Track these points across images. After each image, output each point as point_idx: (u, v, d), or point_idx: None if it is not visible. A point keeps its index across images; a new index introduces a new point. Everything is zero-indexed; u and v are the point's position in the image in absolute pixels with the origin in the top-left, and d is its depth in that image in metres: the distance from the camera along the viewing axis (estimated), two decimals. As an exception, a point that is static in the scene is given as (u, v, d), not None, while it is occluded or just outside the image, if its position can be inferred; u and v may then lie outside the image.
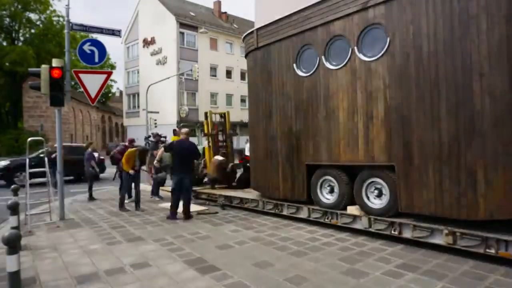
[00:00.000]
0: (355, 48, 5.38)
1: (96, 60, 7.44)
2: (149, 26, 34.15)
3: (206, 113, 9.92)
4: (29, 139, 7.36)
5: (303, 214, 6.26)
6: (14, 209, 5.09)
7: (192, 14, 34.29)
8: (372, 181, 5.35)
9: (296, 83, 6.31)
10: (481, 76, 4.14)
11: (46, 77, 6.70)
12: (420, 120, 4.66)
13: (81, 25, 7.61)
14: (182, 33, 32.04)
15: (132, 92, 37.93)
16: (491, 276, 3.75)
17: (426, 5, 4.56)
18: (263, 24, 7.02)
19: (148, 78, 30.55)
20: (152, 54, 33.66)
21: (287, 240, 5.29)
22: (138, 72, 36.47)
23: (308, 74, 6.12)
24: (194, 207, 7.94)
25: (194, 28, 32.62)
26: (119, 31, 7.95)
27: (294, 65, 6.34)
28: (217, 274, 3.98)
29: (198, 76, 25.74)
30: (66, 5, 7.41)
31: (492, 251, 4.04)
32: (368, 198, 5.40)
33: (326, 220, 5.91)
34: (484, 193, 4.10)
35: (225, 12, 39.28)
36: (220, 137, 9.93)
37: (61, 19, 35.20)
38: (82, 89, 7.42)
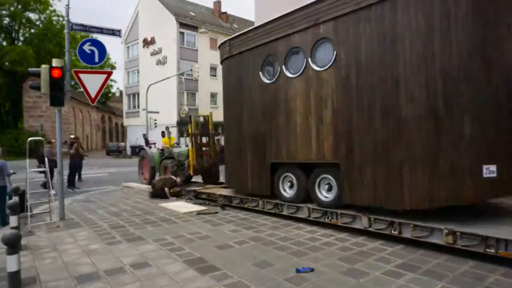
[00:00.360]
0: (309, 59, 6.04)
1: (96, 60, 7.44)
2: (149, 26, 34.16)
3: (190, 117, 10.71)
4: (29, 139, 7.36)
5: (303, 214, 6.27)
6: (14, 209, 5.09)
7: (192, 14, 34.29)
8: (324, 177, 6.05)
9: (262, 89, 6.96)
10: (405, 86, 4.78)
11: (46, 77, 6.69)
12: (359, 123, 5.31)
13: (81, 25, 7.60)
14: (182, 33, 32.06)
15: (132, 92, 37.94)
16: (491, 276, 3.75)
17: (364, 24, 5.24)
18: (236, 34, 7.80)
19: (148, 78, 30.56)
20: (152, 54, 33.67)
21: (287, 240, 5.29)
22: (138, 72, 36.48)
23: (271, 81, 6.79)
24: (194, 207, 7.95)
25: (194, 28, 32.64)
26: (119, 31, 7.95)
27: (260, 73, 6.98)
28: (217, 274, 3.98)
29: (198, 76, 25.76)
30: (66, 5, 7.41)
31: (492, 250, 4.04)
32: (320, 192, 6.10)
33: (326, 219, 5.91)
34: (408, 186, 4.75)
35: (225, 12, 39.29)
36: (204, 139, 10.64)
37: (61, 19, 35.21)
38: (82, 89, 7.42)
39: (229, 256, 4.62)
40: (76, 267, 4.32)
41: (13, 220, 5.15)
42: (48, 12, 35.42)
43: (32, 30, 35.23)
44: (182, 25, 31.74)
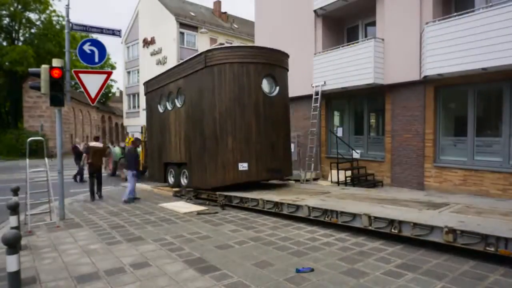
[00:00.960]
0: (176, 100, 9.73)
1: (96, 60, 7.43)
2: (149, 26, 34.11)
3: (142, 127, 14.06)
4: (29, 139, 7.35)
5: (303, 213, 6.27)
6: (14, 209, 5.09)
7: (192, 14, 34.26)
8: (184, 170, 9.75)
9: (159, 116, 10.77)
10: (205, 119, 8.32)
11: (46, 77, 6.69)
12: (193, 138, 8.88)
13: (81, 25, 7.60)
14: (182, 33, 32.00)
15: (132, 92, 37.91)
16: (491, 276, 3.75)
17: (193, 81, 8.79)
18: (151, 78, 11.85)
19: (148, 78, 30.47)
20: (152, 54, 33.63)
21: (287, 240, 5.29)
22: (138, 72, 36.44)
23: (163, 111, 10.54)
24: (194, 207, 7.95)
25: (194, 28, 32.59)
26: (119, 31, 7.95)
27: (158, 105, 10.79)
28: (217, 274, 3.98)
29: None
30: (66, 5, 7.41)
31: (492, 249, 4.05)
32: (183, 179, 9.84)
33: (326, 218, 5.92)
34: (208, 175, 8.33)
35: (225, 12, 39.25)
36: None
37: (61, 19, 35.18)
38: (82, 89, 7.41)
39: (229, 256, 4.62)
40: (76, 267, 4.32)
41: (13, 220, 5.14)
42: (48, 12, 35.41)
43: (32, 30, 35.17)
44: (182, 25, 31.69)
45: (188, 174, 9.30)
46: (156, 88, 10.90)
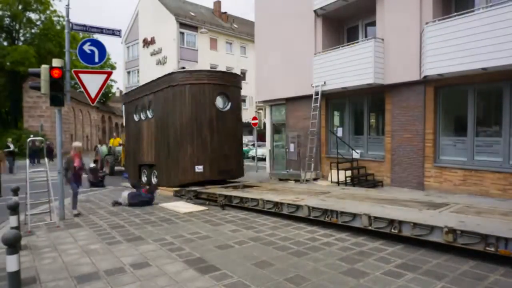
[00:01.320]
0: (148, 111, 11.30)
1: (96, 60, 7.43)
2: (149, 26, 34.10)
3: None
4: (29, 139, 7.36)
5: (303, 213, 6.27)
6: (14, 209, 5.09)
7: (192, 14, 34.25)
8: (154, 171, 11.10)
9: (135, 124, 12.31)
10: (170, 128, 9.98)
11: (46, 77, 6.69)
12: (162, 144, 10.38)
13: (81, 25, 7.60)
14: (182, 33, 31.98)
15: (132, 92, 37.90)
16: (491, 276, 3.75)
17: (159, 98, 10.43)
18: (131, 89, 14.08)
19: (148, 78, 30.32)
20: (152, 54, 33.62)
21: (287, 240, 5.29)
22: (138, 72, 36.44)
23: (138, 120, 12.06)
24: (194, 207, 7.95)
25: (194, 28, 32.58)
26: (119, 31, 7.95)
27: (134, 115, 12.25)
28: (217, 274, 3.98)
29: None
30: (66, 5, 7.41)
31: (492, 249, 4.05)
32: (153, 178, 11.12)
33: (326, 218, 5.92)
34: (173, 176, 9.87)
35: (225, 12, 39.23)
36: None
37: (61, 19, 35.17)
38: (82, 89, 7.41)
39: (229, 256, 4.62)
40: (76, 267, 4.32)
41: (13, 220, 5.15)
42: (48, 12, 35.39)
43: (33, 30, 35.15)
44: (182, 25, 31.67)
45: (158, 173, 10.76)
46: (132, 100, 12.51)
